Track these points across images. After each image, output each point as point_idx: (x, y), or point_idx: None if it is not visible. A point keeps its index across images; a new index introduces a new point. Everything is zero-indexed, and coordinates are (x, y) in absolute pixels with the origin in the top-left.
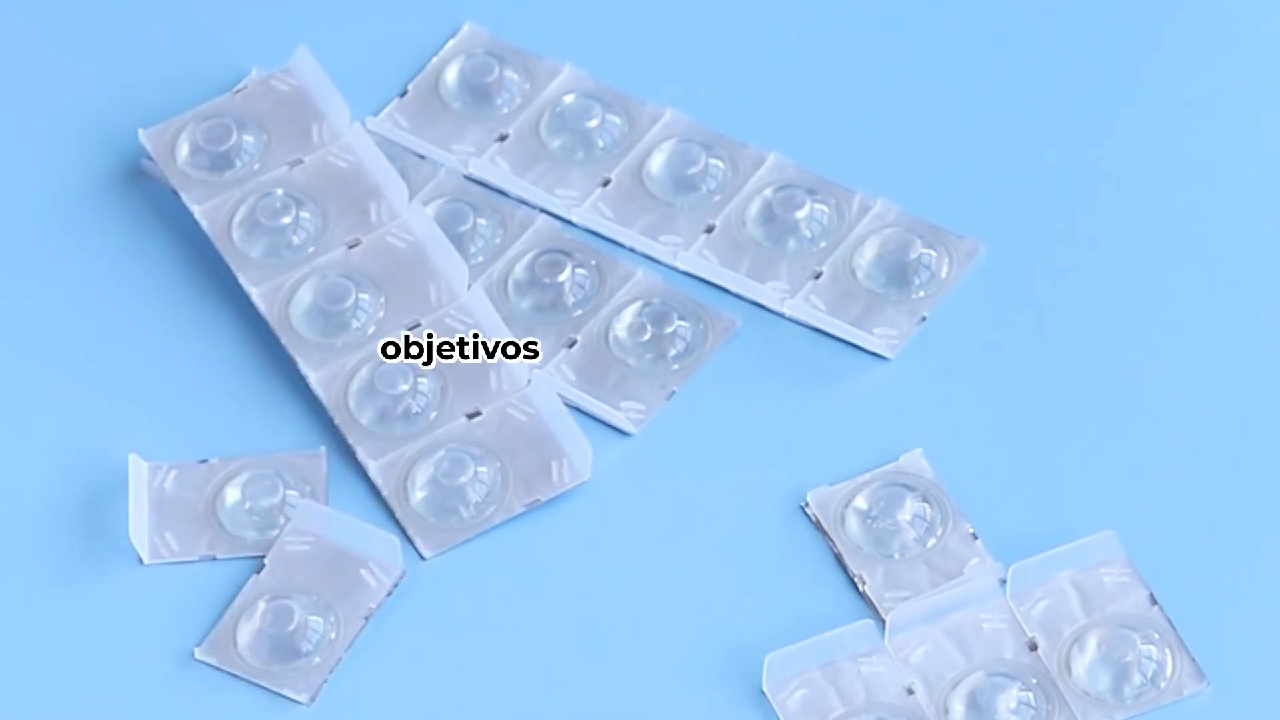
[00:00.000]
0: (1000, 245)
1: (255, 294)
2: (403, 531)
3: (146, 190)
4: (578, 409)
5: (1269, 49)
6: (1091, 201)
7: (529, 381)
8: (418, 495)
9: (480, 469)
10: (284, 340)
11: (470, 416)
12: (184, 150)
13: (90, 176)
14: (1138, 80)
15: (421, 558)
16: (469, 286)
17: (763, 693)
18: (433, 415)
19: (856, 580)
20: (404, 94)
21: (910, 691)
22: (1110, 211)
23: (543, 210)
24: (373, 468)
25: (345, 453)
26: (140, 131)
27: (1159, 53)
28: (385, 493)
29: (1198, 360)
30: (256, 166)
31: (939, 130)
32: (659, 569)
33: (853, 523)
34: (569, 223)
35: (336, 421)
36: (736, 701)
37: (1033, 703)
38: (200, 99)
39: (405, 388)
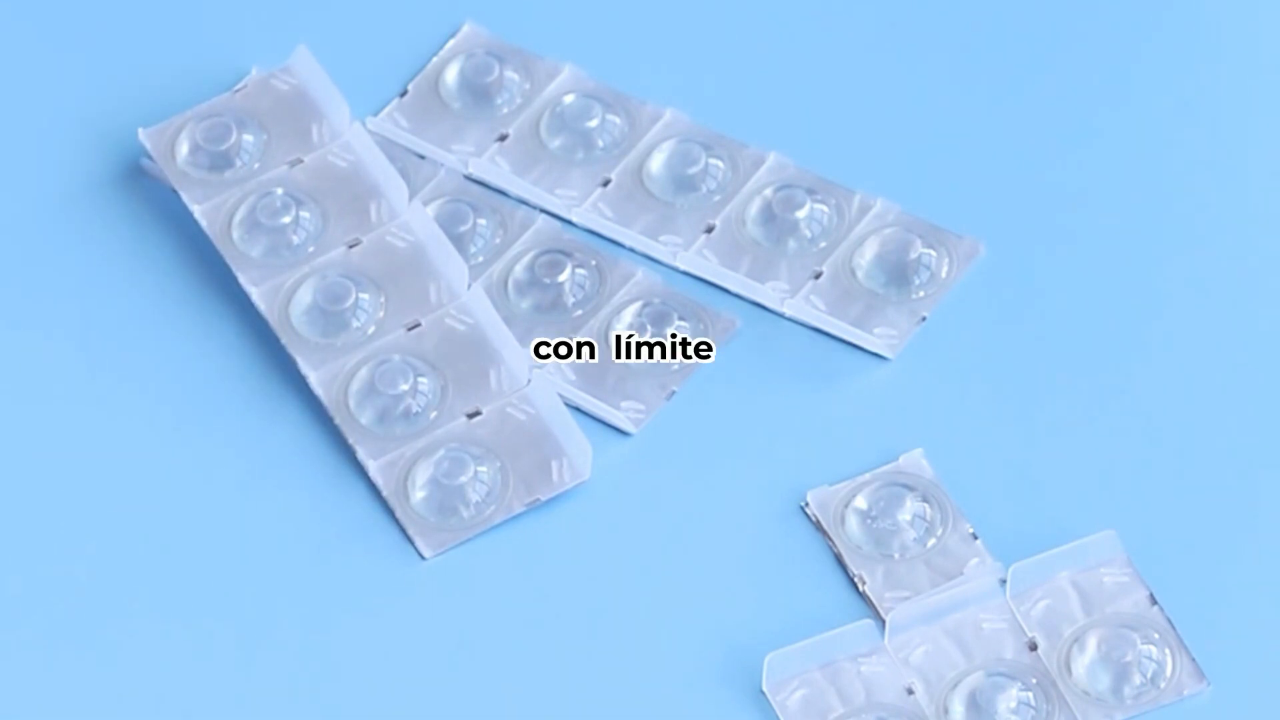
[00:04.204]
0: (1000, 245)
1: (255, 294)
2: (403, 531)
3: (146, 190)
4: (578, 409)
5: (1267, 49)
6: (1091, 201)
7: (529, 381)
8: (418, 495)
9: (480, 468)
10: (284, 340)
11: (470, 416)
12: (184, 149)
13: (90, 176)
14: (1137, 80)
15: (422, 557)
16: (469, 286)
17: (763, 693)
18: (433, 415)
19: (856, 580)
20: (404, 94)
21: (910, 691)
22: (1110, 211)
23: (543, 210)
24: (373, 467)
25: (345, 452)
26: (140, 131)
27: (1158, 53)
28: (385, 492)
29: (1198, 360)
30: (256, 166)
31: (939, 130)
32: (659, 569)
33: (853, 523)
34: (569, 223)
35: (337, 421)
36: (736, 701)
37: (1033, 703)
38: (200, 99)
39: (405, 387)
